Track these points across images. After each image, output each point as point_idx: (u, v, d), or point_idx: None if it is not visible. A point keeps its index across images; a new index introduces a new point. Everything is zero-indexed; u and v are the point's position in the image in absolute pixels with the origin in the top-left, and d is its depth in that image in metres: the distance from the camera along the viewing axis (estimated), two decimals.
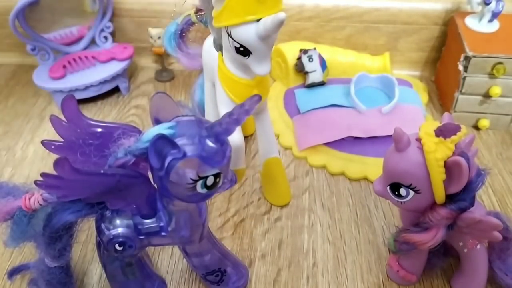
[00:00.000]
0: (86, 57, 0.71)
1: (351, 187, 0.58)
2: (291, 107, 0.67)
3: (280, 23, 0.37)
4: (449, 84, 0.67)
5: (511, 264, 0.43)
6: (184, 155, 0.31)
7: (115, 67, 0.71)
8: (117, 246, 0.37)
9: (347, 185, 0.58)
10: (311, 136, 0.61)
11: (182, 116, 0.35)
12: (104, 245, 0.38)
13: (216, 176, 0.33)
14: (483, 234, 0.39)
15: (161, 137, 0.31)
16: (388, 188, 0.39)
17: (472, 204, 0.37)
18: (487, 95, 0.63)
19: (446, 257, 0.46)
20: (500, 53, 0.59)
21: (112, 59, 0.72)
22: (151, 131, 0.33)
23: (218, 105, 0.48)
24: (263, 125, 0.52)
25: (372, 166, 0.58)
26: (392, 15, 0.72)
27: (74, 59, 0.71)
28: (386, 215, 0.54)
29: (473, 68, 0.61)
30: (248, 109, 0.33)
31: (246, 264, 0.48)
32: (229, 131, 0.33)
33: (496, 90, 0.61)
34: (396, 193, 0.38)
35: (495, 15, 0.64)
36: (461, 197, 0.37)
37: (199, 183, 0.33)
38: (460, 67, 0.62)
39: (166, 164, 0.32)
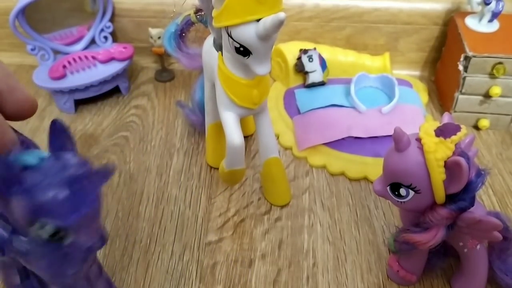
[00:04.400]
0: (86, 57, 0.71)
1: (351, 187, 0.58)
2: (291, 107, 0.67)
3: (280, 23, 0.37)
4: (449, 84, 0.67)
5: (511, 264, 0.43)
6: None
7: (115, 67, 0.71)
8: None
9: (347, 185, 0.58)
10: (311, 136, 0.61)
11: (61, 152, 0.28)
12: None
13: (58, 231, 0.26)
14: (483, 234, 0.39)
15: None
16: (388, 188, 0.39)
17: (472, 204, 0.37)
18: (487, 95, 0.63)
19: (446, 257, 0.46)
20: (500, 53, 0.59)
21: (112, 59, 0.71)
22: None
23: (218, 105, 0.48)
24: (263, 125, 0.52)
25: (372, 166, 0.58)
26: (392, 15, 0.72)
27: (74, 59, 0.70)
28: (386, 215, 0.54)
29: (473, 68, 0.61)
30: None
31: (246, 264, 0.48)
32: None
33: (496, 90, 0.61)
34: (396, 193, 0.38)
35: (495, 15, 0.64)
36: (461, 197, 0.37)
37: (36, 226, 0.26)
38: (460, 67, 0.62)
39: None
